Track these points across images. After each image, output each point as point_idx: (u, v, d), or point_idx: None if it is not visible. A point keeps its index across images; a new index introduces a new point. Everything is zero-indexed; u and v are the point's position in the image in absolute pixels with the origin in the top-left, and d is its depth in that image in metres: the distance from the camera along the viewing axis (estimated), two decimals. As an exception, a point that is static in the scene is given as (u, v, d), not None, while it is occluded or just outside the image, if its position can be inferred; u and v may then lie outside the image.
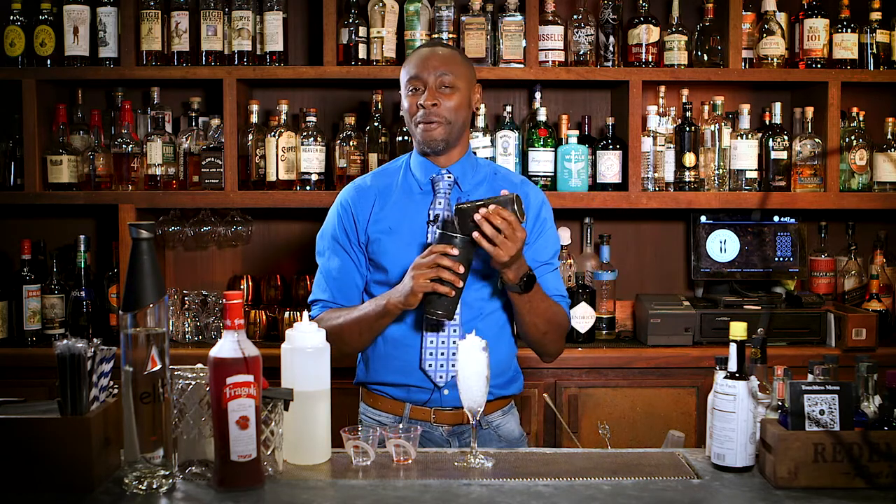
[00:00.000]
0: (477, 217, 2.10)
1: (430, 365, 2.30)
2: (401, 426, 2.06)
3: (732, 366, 1.90)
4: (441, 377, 2.30)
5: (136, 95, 3.64)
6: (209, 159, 3.40)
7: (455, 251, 2.12)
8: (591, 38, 3.46)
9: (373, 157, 3.42)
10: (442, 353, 2.30)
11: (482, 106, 3.45)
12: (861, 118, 3.56)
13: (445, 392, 2.30)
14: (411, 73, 2.33)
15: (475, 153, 2.47)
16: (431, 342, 2.30)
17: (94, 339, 1.86)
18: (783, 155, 3.47)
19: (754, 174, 3.47)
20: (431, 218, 2.32)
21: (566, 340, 2.43)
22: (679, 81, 3.48)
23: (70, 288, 3.47)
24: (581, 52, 3.46)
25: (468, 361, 1.96)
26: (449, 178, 2.35)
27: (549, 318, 2.32)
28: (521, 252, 2.15)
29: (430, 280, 2.12)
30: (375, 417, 2.39)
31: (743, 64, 3.46)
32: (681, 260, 3.78)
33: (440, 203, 2.33)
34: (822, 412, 1.81)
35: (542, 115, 3.47)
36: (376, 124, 3.45)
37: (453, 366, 2.27)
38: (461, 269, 2.12)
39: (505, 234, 2.09)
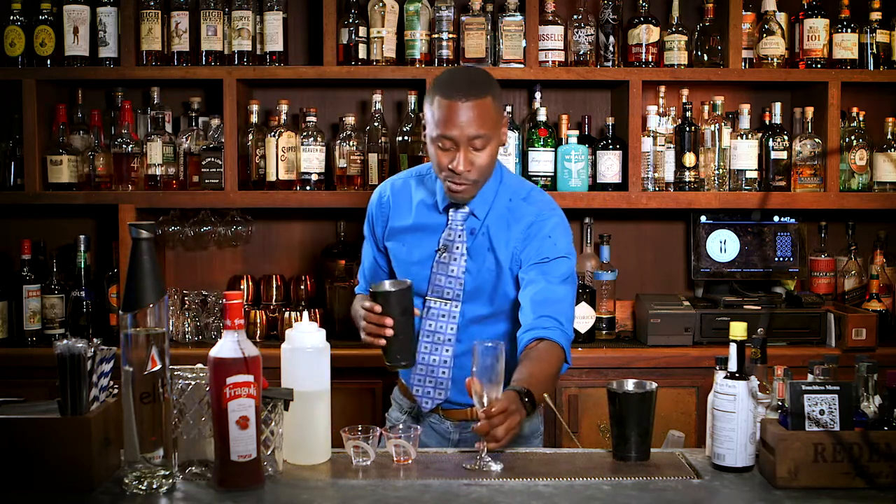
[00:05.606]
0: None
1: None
2: (400, 426, 2.06)
3: (732, 366, 1.90)
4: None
5: (136, 95, 3.64)
6: (209, 159, 3.40)
7: (378, 308, 2.13)
8: (591, 38, 3.46)
9: (373, 157, 3.42)
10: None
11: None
12: (861, 118, 3.56)
13: None
14: (439, 129, 2.15)
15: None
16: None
17: (94, 339, 1.87)
18: (783, 155, 3.47)
19: (754, 174, 3.46)
20: (440, 246, 2.30)
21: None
22: (679, 81, 3.48)
23: (70, 288, 3.47)
24: (581, 52, 3.46)
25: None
26: (464, 210, 2.30)
27: (553, 383, 2.23)
28: (515, 412, 1.94)
29: (367, 334, 2.17)
30: None
31: (743, 64, 3.46)
32: (681, 260, 3.78)
33: (449, 235, 2.31)
34: (822, 412, 1.81)
35: (542, 115, 3.47)
36: (376, 124, 3.45)
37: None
38: (389, 322, 2.11)
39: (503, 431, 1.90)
